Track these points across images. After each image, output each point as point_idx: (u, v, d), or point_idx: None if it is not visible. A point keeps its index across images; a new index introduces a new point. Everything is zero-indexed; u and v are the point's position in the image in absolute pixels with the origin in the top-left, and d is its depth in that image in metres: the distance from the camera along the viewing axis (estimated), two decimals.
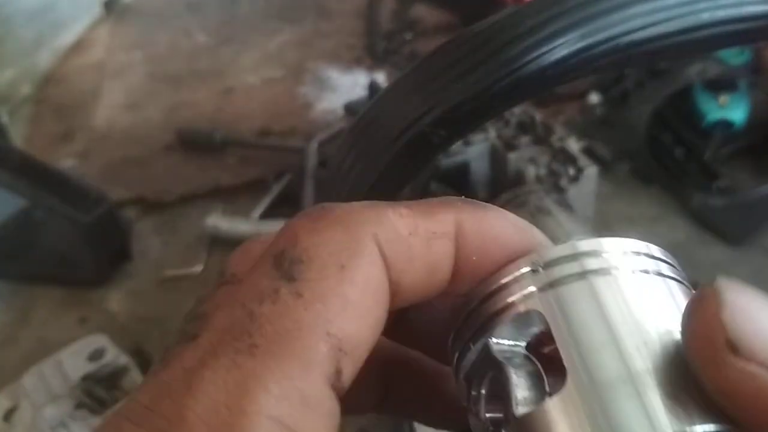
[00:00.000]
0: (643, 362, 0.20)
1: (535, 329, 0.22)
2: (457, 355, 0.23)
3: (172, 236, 1.50)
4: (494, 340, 0.22)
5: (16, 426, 1.06)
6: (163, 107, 1.95)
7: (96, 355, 1.15)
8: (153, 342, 1.23)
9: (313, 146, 1.50)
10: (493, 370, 0.22)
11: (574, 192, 1.26)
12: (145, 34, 2.38)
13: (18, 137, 1.79)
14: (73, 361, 1.14)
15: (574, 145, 1.31)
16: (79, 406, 1.06)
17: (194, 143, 1.72)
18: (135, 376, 1.11)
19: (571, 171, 1.26)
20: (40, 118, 1.96)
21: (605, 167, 1.44)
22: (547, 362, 0.22)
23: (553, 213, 1.13)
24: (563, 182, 1.25)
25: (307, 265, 0.20)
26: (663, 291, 0.22)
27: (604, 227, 1.33)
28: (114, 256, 1.41)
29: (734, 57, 1.45)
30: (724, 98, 1.38)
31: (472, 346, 0.23)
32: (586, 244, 0.22)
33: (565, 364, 0.20)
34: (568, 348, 0.20)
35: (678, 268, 0.23)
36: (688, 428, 0.19)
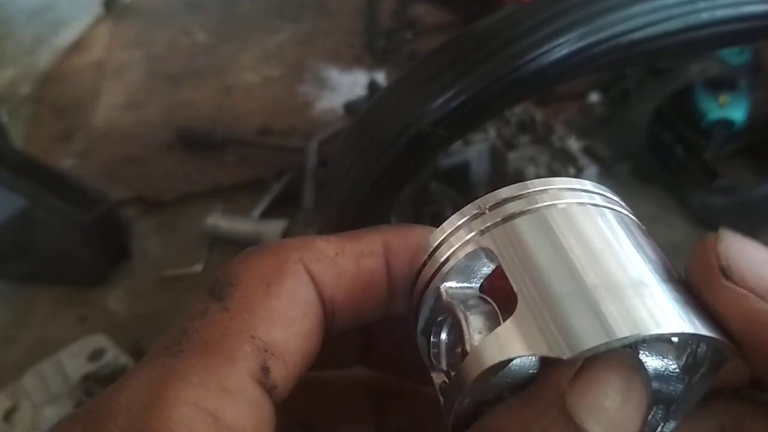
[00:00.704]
0: (594, 278, 0.20)
1: (486, 270, 0.23)
2: (413, 312, 0.24)
3: (171, 235, 1.50)
4: (446, 285, 0.23)
5: (16, 426, 1.06)
6: (163, 106, 1.95)
7: (96, 355, 1.15)
8: (153, 341, 1.23)
9: (313, 145, 1.50)
10: (448, 315, 0.23)
11: None
12: (145, 33, 2.38)
13: (18, 137, 1.79)
14: (73, 360, 1.14)
15: (574, 145, 1.31)
16: (79, 405, 1.06)
17: (194, 142, 1.72)
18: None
19: (572, 170, 1.26)
20: (40, 117, 1.96)
21: (605, 166, 1.44)
22: (501, 300, 0.22)
23: None
24: None
25: (235, 287, 0.23)
26: (600, 218, 0.22)
27: None
28: (114, 255, 1.41)
29: (734, 56, 1.45)
30: (724, 98, 1.38)
31: (425, 299, 0.23)
32: (527, 184, 0.23)
33: (516, 288, 0.21)
34: (518, 274, 0.21)
35: (617, 200, 0.24)
36: (643, 334, 0.19)
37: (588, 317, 0.19)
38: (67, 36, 2.29)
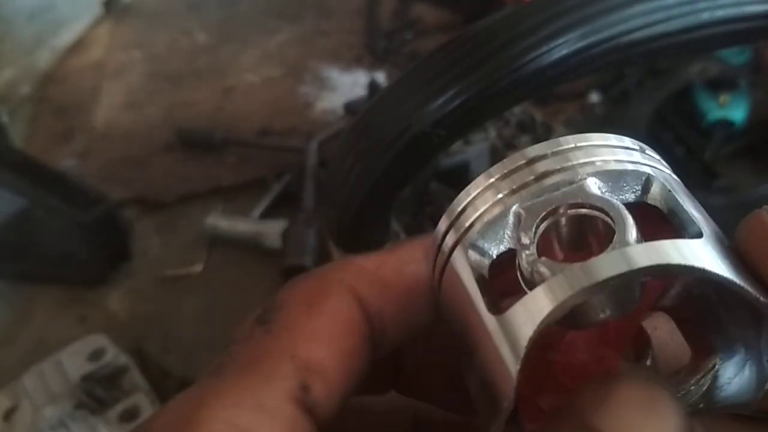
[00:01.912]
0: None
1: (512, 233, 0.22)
2: (437, 283, 0.23)
3: (171, 236, 1.50)
4: (470, 254, 0.22)
5: (15, 426, 1.06)
6: (163, 106, 1.95)
7: (96, 355, 1.15)
8: (153, 342, 1.23)
9: (313, 146, 1.50)
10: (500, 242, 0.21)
11: None
12: (145, 33, 2.38)
13: (17, 137, 1.79)
14: (73, 360, 1.14)
15: None
16: (79, 406, 1.06)
17: (194, 143, 1.72)
18: (135, 375, 1.11)
19: None
20: (40, 117, 1.96)
21: None
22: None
23: None
24: None
25: (278, 311, 0.23)
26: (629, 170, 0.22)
27: None
28: (114, 255, 1.41)
29: (734, 56, 1.45)
30: (724, 98, 1.38)
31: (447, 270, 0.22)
32: (559, 140, 0.22)
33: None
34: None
35: (658, 158, 0.24)
36: (663, 263, 0.18)
37: (615, 256, 0.18)
38: (67, 36, 2.29)
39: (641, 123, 1.42)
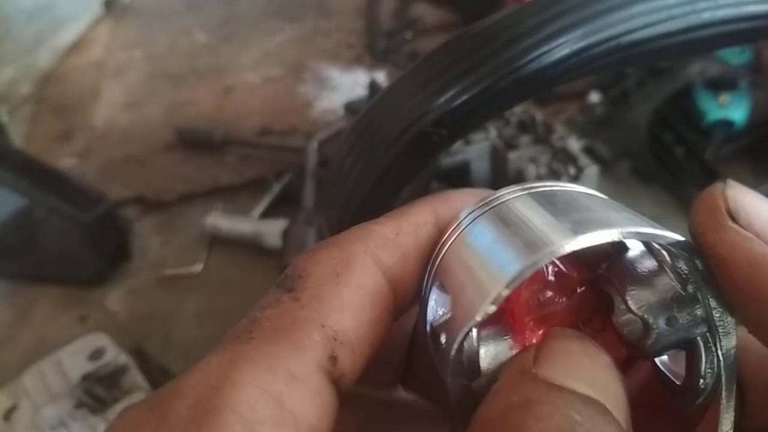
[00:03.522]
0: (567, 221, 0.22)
1: None
2: (421, 310, 0.25)
3: (171, 235, 1.50)
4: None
5: (15, 425, 1.06)
6: (163, 106, 1.95)
7: (96, 354, 1.15)
8: (153, 341, 1.24)
9: (314, 145, 1.50)
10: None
11: None
12: (145, 33, 2.38)
13: (18, 136, 1.79)
14: (73, 360, 1.14)
15: (574, 145, 1.31)
16: (79, 405, 1.06)
17: (194, 142, 1.72)
18: (135, 375, 1.11)
19: (572, 170, 1.26)
20: (40, 117, 1.96)
21: (606, 166, 1.44)
22: None
23: None
24: (563, 182, 1.25)
25: (305, 279, 0.23)
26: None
27: None
28: (114, 255, 1.41)
29: (735, 56, 1.45)
30: (724, 98, 1.38)
31: (432, 289, 0.25)
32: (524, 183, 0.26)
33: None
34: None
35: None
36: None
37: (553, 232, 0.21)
38: (67, 36, 2.29)
39: (641, 123, 1.42)
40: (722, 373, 0.22)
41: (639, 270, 0.23)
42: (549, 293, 0.24)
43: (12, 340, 1.30)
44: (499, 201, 0.24)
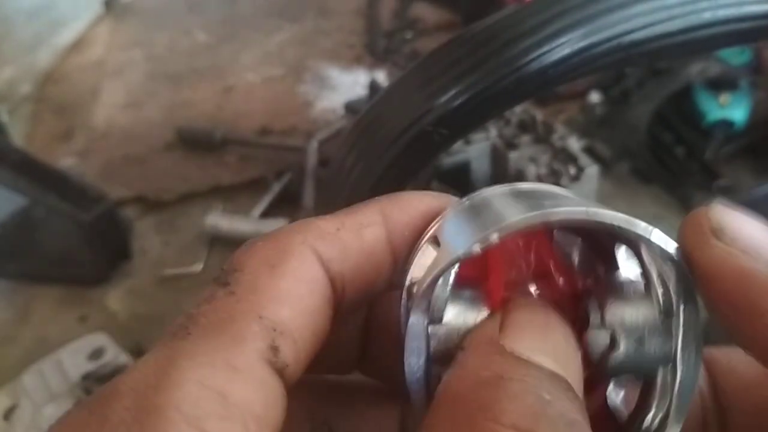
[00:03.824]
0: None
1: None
2: (402, 276, 0.25)
3: (172, 235, 1.50)
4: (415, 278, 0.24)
5: (15, 425, 1.06)
6: (163, 106, 1.95)
7: (96, 354, 1.15)
8: (153, 341, 1.23)
9: (314, 145, 1.50)
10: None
11: (574, 191, 1.26)
12: (145, 32, 2.38)
13: (18, 136, 1.79)
14: (73, 359, 1.14)
15: (574, 144, 1.31)
16: None
17: (194, 142, 1.72)
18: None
19: (572, 170, 1.26)
20: (40, 116, 1.96)
21: (606, 166, 1.44)
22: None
23: None
24: (564, 181, 1.25)
25: (240, 272, 0.23)
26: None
27: None
28: (114, 254, 1.41)
29: (735, 56, 1.45)
30: (724, 98, 1.38)
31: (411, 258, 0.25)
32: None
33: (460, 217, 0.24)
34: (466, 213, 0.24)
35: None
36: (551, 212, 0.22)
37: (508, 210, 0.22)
38: (67, 35, 2.29)
39: (641, 123, 1.42)
40: (671, 414, 0.22)
41: (625, 289, 0.23)
42: (531, 282, 0.25)
43: (12, 340, 1.30)
44: (480, 195, 0.25)
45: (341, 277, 0.24)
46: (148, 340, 1.24)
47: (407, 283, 0.24)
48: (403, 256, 0.25)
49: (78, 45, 2.30)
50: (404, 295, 0.24)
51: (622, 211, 0.24)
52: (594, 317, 0.23)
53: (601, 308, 0.23)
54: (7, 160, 1.37)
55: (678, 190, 1.41)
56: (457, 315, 0.23)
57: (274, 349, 0.21)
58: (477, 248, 0.21)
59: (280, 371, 0.21)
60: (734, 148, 1.45)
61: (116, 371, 1.11)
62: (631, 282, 0.23)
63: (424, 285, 0.22)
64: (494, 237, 0.21)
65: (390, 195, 0.26)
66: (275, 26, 2.29)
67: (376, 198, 0.26)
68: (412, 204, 0.26)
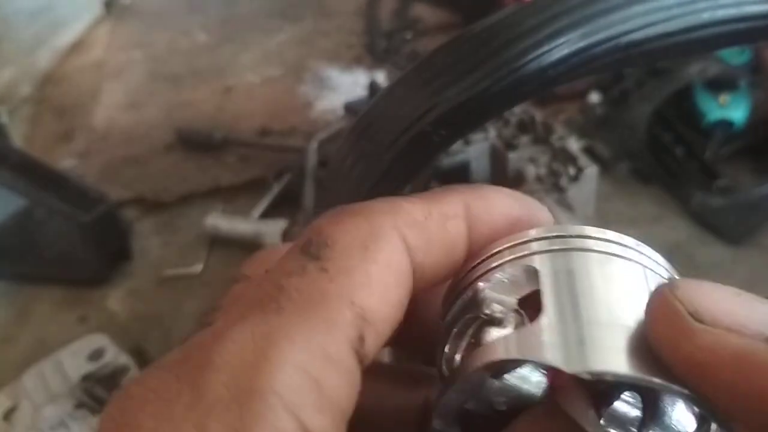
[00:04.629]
0: (629, 318, 0.20)
1: (528, 289, 0.23)
2: (450, 300, 0.24)
3: (171, 236, 1.50)
4: (484, 286, 0.23)
5: (15, 425, 1.06)
6: (163, 107, 1.95)
7: (96, 354, 1.15)
8: (153, 341, 1.24)
9: (313, 146, 1.50)
10: (477, 313, 0.23)
11: (574, 191, 1.26)
12: (145, 33, 2.38)
13: (18, 137, 1.79)
14: (73, 360, 1.14)
15: (574, 145, 1.31)
16: (79, 405, 1.06)
17: (194, 143, 1.72)
18: (135, 375, 1.11)
19: (571, 170, 1.26)
20: (40, 117, 1.96)
21: (605, 167, 1.44)
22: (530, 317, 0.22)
23: (553, 212, 1.13)
24: (563, 182, 1.25)
25: (331, 248, 0.22)
26: (641, 278, 0.23)
27: (604, 227, 1.32)
28: (114, 255, 1.41)
29: (735, 56, 1.45)
30: (724, 98, 1.38)
31: (464, 293, 0.24)
32: (591, 229, 0.24)
33: (547, 304, 0.21)
34: (556, 295, 0.21)
35: (661, 264, 0.24)
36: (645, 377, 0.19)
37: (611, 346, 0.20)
38: (67, 36, 2.29)
39: (641, 123, 1.42)
40: None
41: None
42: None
43: (12, 341, 1.30)
44: (578, 248, 0.23)
45: (421, 268, 0.23)
46: (148, 340, 1.24)
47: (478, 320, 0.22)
48: (477, 257, 0.24)
49: (78, 46, 2.30)
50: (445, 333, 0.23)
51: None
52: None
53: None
54: (7, 161, 1.37)
55: (678, 190, 1.42)
56: (519, 377, 0.22)
57: (362, 339, 0.20)
58: (584, 375, 0.19)
59: (361, 361, 0.20)
60: (734, 148, 1.45)
61: (116, 372, 1.11)
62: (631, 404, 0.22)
63: (499, 360, 0.21)
64: (608, 377, 0.19)
65: (474, 187, 0.25)
66: (275, 26, 2.30)
67: (460, 187, 0.25)
68: (497, 205, 0.25)
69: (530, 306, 0.22)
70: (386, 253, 0.22)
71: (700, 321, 0.19)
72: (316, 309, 0.20)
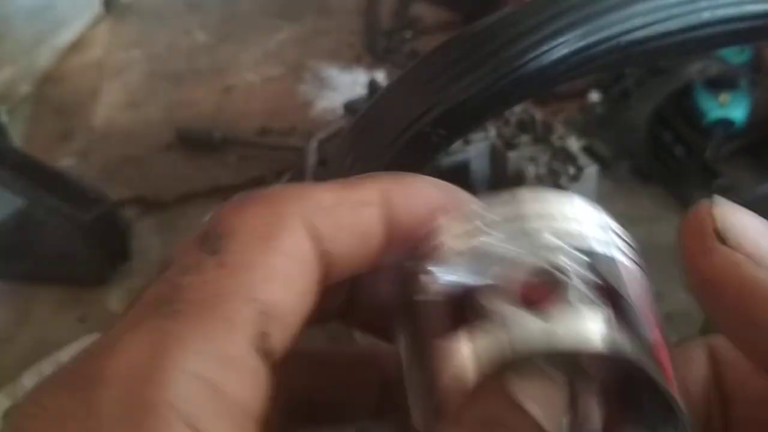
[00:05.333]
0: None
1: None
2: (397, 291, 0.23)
3: (171, 235, 1.50)
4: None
5: None
6: (163, 106, 1.95)
7: None
8: None
9: (313, 145, 1.50)
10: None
11: (574, 191, 1.26)
12: (145, 32, 2.38)
13: (17, 136, 1.79)
14: None
15: (574, 144, 1.31)
16: None
17: (194, 142, 1.72)
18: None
19: (572, 170, 1.26)
20: (40, 117, 1.96)
21: (605, 166, 1.44)
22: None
23: None
24: (563, 181, 1.25)
25: (230, 239, 0.21)
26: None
27: None
28: (113, 255, 1.41)
29: (735, 55, 1.45)
30: (724, 97, 1.38)
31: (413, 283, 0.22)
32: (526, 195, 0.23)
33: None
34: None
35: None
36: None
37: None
38: (67, 35, 2.28)
39: (641, 122, 1.42)
40: None
41: None
42: None
43: (12, 341, 1.30)
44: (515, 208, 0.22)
45: (329, 255, 0.22)
46: None
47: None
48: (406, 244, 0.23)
49: (77, 45, 2.30)
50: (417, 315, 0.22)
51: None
52: None
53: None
54: (6, 160, 1.37)
55: (678, 190, 1.41)
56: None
57: (265, 335, 0.20)
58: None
59: (267, 357, 0.20)
60: (734, 147, 1.45)
61: None
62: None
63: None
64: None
65: (395, 175, 0.24)
66: (275, 26, 2.29)
67: (379, 174, 0.24)
68: (418, 194, 0.24)
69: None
70: (288, 241, 0.21)
71: (724, 242, 0.20)
72: (213, 309, 0.19)
